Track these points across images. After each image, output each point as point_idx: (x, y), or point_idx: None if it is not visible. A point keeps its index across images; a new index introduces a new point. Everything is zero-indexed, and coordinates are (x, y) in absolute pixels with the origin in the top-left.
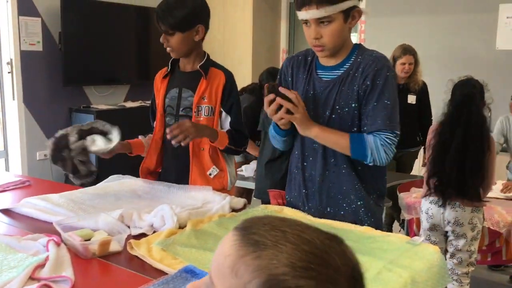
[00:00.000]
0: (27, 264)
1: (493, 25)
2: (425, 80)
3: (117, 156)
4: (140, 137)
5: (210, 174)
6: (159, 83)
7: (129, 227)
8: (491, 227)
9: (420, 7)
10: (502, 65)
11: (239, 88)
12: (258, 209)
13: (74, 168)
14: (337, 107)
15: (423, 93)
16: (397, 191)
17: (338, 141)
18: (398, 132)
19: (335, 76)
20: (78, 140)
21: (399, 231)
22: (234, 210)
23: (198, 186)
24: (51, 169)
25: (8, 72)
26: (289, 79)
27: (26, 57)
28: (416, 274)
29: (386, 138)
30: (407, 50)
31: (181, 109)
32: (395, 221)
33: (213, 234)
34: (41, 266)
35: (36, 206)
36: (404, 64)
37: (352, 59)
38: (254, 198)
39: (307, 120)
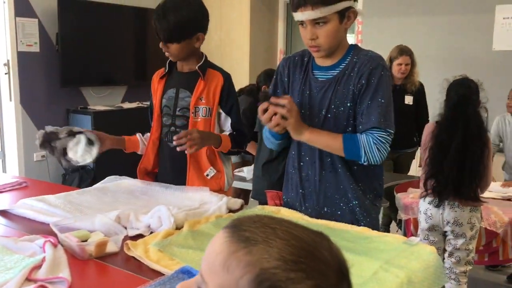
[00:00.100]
0: (24, 265)
1: (489, 26)
2: (422, 81)
3: (114, 156)
4: (138, 134)
5: (207, 175)
6: (156, 84)
7: (126, 228)
8: (488, 227)
9: (417, 8)
10: (499, 65)
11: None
12: (255, 210)
13: (61, 154)
14: (333, 106)
15: (420, 93)
16: (394, 192)
17: (330, 143)
18: (392, 131)
19: (331, 76)
20: (66, 137)
21: (397, 231)
22: (231, 211)
23: (195, 187)
24: (48, 170)
25: (5, 73)
26: (285, 79)
27: (23, 58)
28: (412, 274)
29: (379, 136)
30: (403, 50)
31: (178, 109)
32: (393, 221)
33: (210, 235)
34: (37, 267)
35: (33, 207)
36: (400, 64)
37: (348, 59)
38: (252, 199)
39: (300, 124)
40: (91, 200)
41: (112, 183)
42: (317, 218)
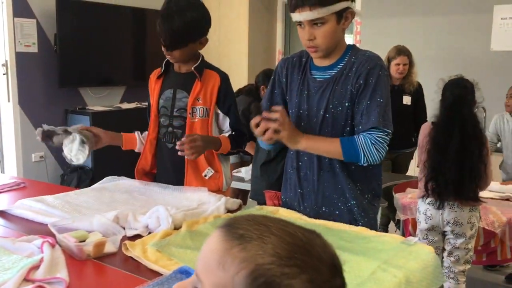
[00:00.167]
0: (22, 266)
1: (487, 26)
2: (420, 81)
3: (113, 157)
4: (136, 132)
5: (205, 175)
6: (153, 83)
7: (124, 228)
8: (486, 227)
9: (416, 8)
10: (497, 65)
11: (235, 89)
12: (254, 210)
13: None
14: (331, 106)
15: (418, 94)
16: (393, 192)
17: (328, 149)
18: (391, 131)
19: (329, 76)
20: (62, 134)
21: (395, 231)
22: (229, 211)
23: (194, 187)
24: (47, 170)
25: (3, 74)
26: (284, 80)
27: (22, 59)
28: (410, 274)
29: (377, 137)
30: (401, 51)
31: (175, 110)
32: (391, 221)
33: (208, 235)
34: (35, 267)
35: (31, 207)
36: (398, 64)
37: (346, 59)
38: (250, 199)
39: (294, 135)
40: (89, 200)
41: (111, 183)
42: (316, 217)
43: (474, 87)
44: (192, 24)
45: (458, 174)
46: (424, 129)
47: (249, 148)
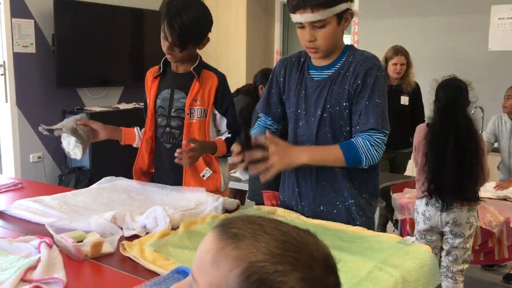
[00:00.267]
0: (19, 266)
1: (485, 27)
2: (418, 81)
3: (110, 157)
4: (135, 128)
5: (203, 176)
6: (150, 82)
7: (121, 228)
8: (484, 227)
9: (413, 9)
10: (495, 66)
11: (233, 90)
12: (251, 210)
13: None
14: (328, 106)
15: (415, 94)
16: (391, 192)
17: (331, 158)
18: (388, 131)
19: (326, 76)
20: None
21: (393, 231)
22: (227, 211)
23: (192, 188)
24: (45, 171)
25: (1, 74)
26: (281, 79)
27: (19, 59)
28: (407, 273)
29: (377, 138)
30: (398, 50)
31: (173, 110)
32: (389, 221)
33: (206, 235)
34: (32, 268)
35: (28, 208)
36: (396, 64)
37: (344, 59)
38: (248, 200)
39: (291, 157)
40: (87, 201)
41: (108, 184)
42: (313, 216)
43: (468, 87)
44: (198, 22)
45: (456, 175)
46: (420, 131)
47: None
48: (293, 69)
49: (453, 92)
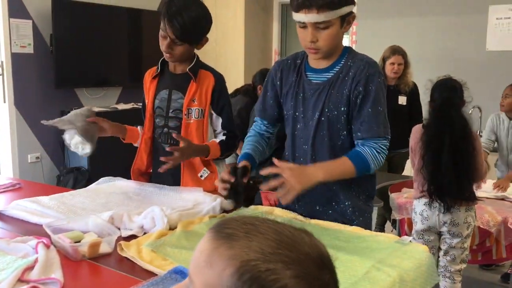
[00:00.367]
0: (16, 267)
1: (483, 27)
2: (416, 81)
3: (109, 157)
4: (138, 127)
5: (201, 176)
6: (148, 83)
7: (119, 228)
8: (482, 226)
9: (411, 9)
10: (493, 66)
11: (232, 89)
12: (249, 210)
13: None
14: (326, 110)
15: (413, 94)
16: (389, 192)
17: (343, 172)
18: (390, 136)
19: (325, 79)
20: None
21: (391, 231)
22: (225, 211)
23: (189, 188)
24: (43, 171)
25: None
26: (278, 82)
27: (17, 60)
28: (404, 273)
29: (381, 145)
30: (396, 50)
31: (171, 111)
32: (387, 221)
33: (204, 235)
34: (30, 268)
35: (26, 208)
36: (393, 64)
37: (342, 62)
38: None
39: (308, 176)
40: (85, 201)
41: (106, 184)
42: (310, 216)
43: (463, 87)
44: (199, 20)
45: (453, 175)
46: (416, 133)
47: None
48: (290, 71)
49: (448, 92)
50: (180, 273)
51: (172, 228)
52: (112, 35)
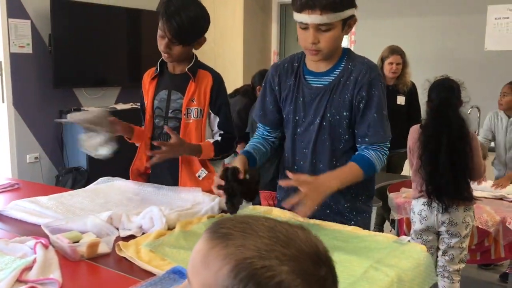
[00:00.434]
0: (15, 267)
1: (481, 27)
2: (415, 81)
3: (108, 158)
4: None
5: (199, 176)
6: (147, 84)
7: (117, 229)
8: (480, 226)
9: (410, 9)
10: (491, 65)
11: (232, 90)
12: (247, 210)
13: None
14: (329, 115)
15: (412, 94)
16: (387, 191)
17: (354, 177)
18: (391, 137)
19: (326, 83)
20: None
21: (390, 231)
22: (223, 211)
23: (188, 188)
24: (42, 171)
25: None
26: (276, 87)
27: (16, 60)
28: (402, 273)
29: (385, 147)
30: (394, 50)
31: (170, 111)
32: (386, 221)
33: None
34: (28, 268)
35: (24, 208)
36: (391, 64)
37: (342, 66)
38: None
39: (324, 187)
40: (84, 201)
41: (105, 184)
42: (309, 216)
43: (460, 87)
44: (197, 20)
45: (451, 175)
46: (413, 133)
47: (240, 149)
48: (287, 75)
49: (446, 92)
50: (178, 273)
51: (170, 228)
52: (111, 35)
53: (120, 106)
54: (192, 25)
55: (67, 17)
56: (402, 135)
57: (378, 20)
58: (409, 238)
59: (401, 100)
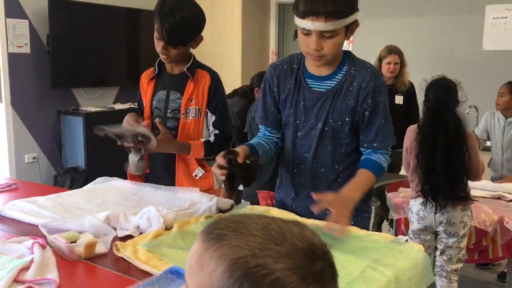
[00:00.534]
0: (12, 267)
1: (479, 26)
2: (413, 81)
3: (106, 157)
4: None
5: (195, 175)
6: (146, 84)
7: (115, 229)
8: (478, 226)
9: (408, 9)
10: (489, 65)
11: (231, 90)
12: (245, 210)
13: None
14: (331, 120)
15: (410, 93)
16: (385, 191)
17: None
18: None
19: (329, 87)
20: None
21: (388, 230)
22: (221, 211)
23: (186, 188)
24: (40, 171)
25: None
26: (275, 89)
27: (14, 60)
28: (400, 272)
29: (389, 148)
30: (392, 50)
31: (169, 111)
32: (384, 220)
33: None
34: (25, 268)
35: (22, 208)
36: (389, 63)
37: (344, 70)
38: (243, 200)
39: (349, 201)
40: (81, 201)
41: (103, 184)
42: (308, 216)
43: (457, 87)
44: (192, 20)
45: (448, 175)
46: (410, 132)
47: None
48: (286, 77)
49: (443, 92)
50: (175, 273)
51: (168, 228)
52: (109, 34)
53: (119, 106)
54: (187, 25)
55: (65, 17)
56: (400, 134)
57: (376, 19)
58: (406, 237)
59: (399, 99)
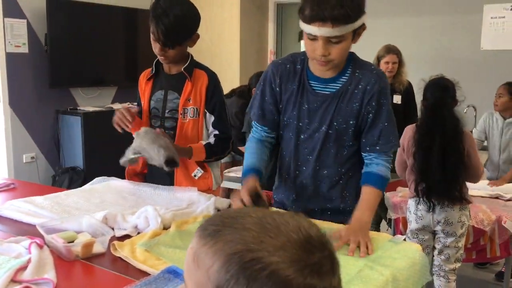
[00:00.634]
0: (9, 267)
1: (478, 26)
2: (411, 80)
3: (104, 157)
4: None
5: (194, 176)
6: (144, 85)
7: (113, 228)
8: (476, 225)
9: (407, 9)
10: (487, 65)
11: (229, 90)
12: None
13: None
14: (335, 123)
15: (408, 93)
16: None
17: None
18: None
19: (333, 90)
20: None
21: (387, 230)
22: (219, 210)
23: (184, 187)
24: (38, 171)
25: None
26: (277, 89)
27: (12, 59)
28: (397, 272)
29: (391, 152)
30: (390, 49)
31: (167, 111)
32: (383, 220)
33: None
34: (23, 268)
35: (20, 208)
36: (388, 63)
37: (349, 72)
38: None
39: (362, 225)
40: (79, 201)
41: (101, 184)
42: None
43: (455, 86)
44: (186, 18)
45: (444, 175)
46: (408, 132)
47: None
48: (289, 78)
49: (441, 92)
50: (173, 273)
51: (166, 227)
52: (108, 34)
53: (117, 106)
54: (182, 25)
55: (63, 16)
56: (398, 134)
57: (374, 19)
58: (404, 237)
59: (397, 99)
